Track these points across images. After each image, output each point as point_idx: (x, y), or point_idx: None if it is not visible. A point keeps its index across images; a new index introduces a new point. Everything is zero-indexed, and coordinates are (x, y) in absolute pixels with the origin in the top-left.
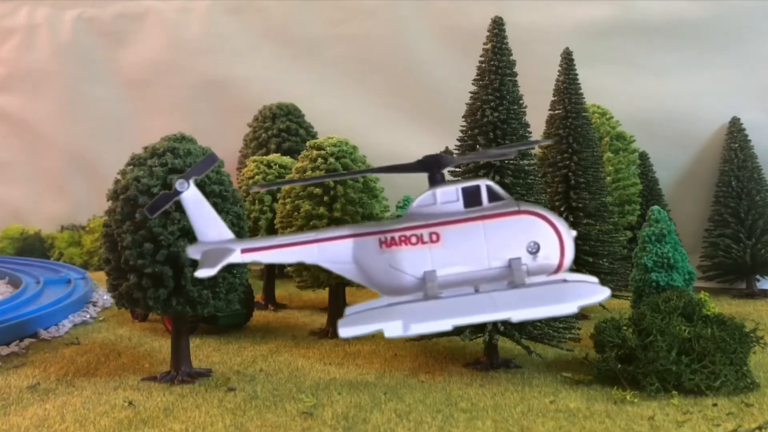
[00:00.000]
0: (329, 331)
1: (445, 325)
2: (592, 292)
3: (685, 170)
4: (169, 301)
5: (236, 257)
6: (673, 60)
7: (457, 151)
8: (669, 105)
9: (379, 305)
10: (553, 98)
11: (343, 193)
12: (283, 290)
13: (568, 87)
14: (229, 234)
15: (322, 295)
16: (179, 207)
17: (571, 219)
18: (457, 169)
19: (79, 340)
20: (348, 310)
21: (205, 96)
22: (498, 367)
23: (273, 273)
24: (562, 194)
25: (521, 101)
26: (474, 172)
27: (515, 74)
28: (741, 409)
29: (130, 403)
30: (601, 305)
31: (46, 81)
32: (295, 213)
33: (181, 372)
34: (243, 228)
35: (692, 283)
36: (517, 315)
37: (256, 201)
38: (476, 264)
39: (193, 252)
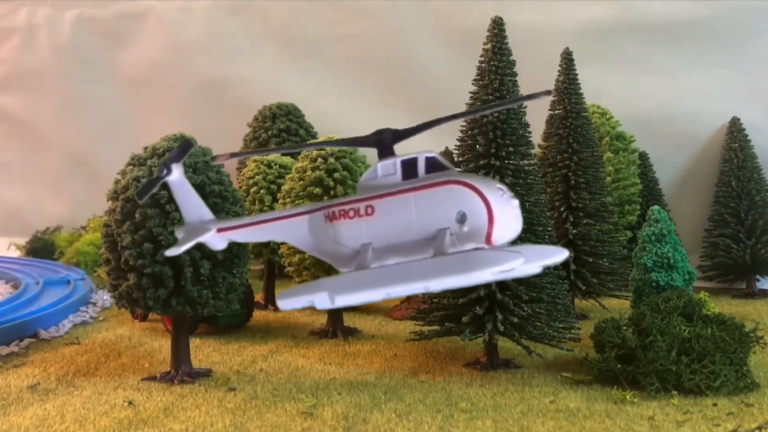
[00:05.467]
0: (329, 331)
1: (365, 296)
2: (504, 258)
3: (685, 170)
4: (169, 301)
5: (211, 236)
6: (673, 60)
7: (456, 151)
8: (669, 105)
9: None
10: (553, 98)
11: (343, 193)
12: (283, 290)
13: (568, 87)
14: (209, 216)
15: None
16: (178, 207)
17: (571, 219)
18: (457, 169)
19: (79, 340)
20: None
21: (205, 96)
22: (498, 367)
23: (273, 273)
24: (562, 194)
25: None
26: (475, 171)
27: (515, 74)
28: (741, 409)
29: (130, 403)
30: (601, 305)
31: (46, 81)
32: None
33: (181, 372)
34: None
35: (692, 283)
36: (433, 284)
37: (256, 201)
38: (407, 235)
39: (178, 232)
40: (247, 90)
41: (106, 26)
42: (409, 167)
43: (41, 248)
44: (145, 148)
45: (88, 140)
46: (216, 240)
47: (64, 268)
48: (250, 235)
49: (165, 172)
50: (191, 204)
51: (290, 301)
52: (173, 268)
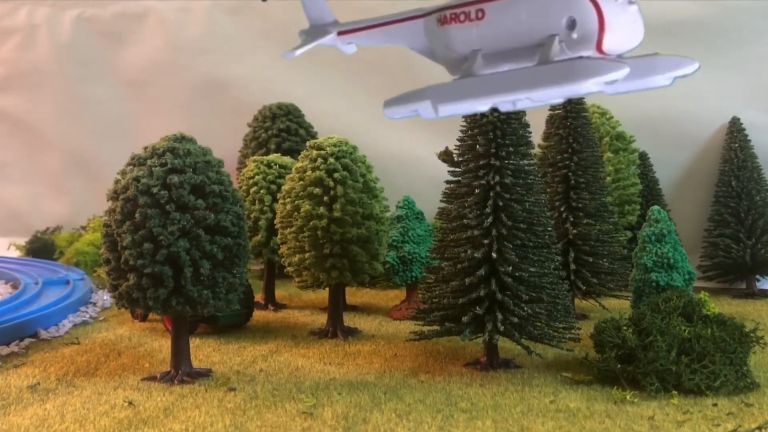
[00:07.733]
0: (329, 331)
1: (468, 106)
2: (607, 67)
3: (685, 170)
4: (169, 301)
5: (332, 38)
6: None
7: (456, 151)
8: (669, 105)
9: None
10: None
11: (343, 193)
12: (283, 290)
13: None
14: (331, 18)
15: (322, 295)
16: (178, 207)
17: (571, 219)
18: (457, 169)
19: (79, 340)
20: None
21: (205, 96)
22: (498, 367)
23: (273, 273)
24: (562, 194)
25: None
26: (474, 172)
27: None
28: (741, 409)
29: (130, 403)
30: (601, 305)
31: (46, 81)
32: (295, 213)
33: (181, 372)
34: (243, 228)
35: (692, 283)
36: (535, 95)
37: (256, 201)
38: (517, 42)
39: (300, 34)
40: (247, 90)
41: (106, 26)
42: None
43: (41, 248)
44: (145, 148)
45: (88, 140)
46: (338, 43)
47: (63, 268)
48: (369, 38)
49: None
50: (315, 4)
51: (396, 110)
52: (173, 268)
